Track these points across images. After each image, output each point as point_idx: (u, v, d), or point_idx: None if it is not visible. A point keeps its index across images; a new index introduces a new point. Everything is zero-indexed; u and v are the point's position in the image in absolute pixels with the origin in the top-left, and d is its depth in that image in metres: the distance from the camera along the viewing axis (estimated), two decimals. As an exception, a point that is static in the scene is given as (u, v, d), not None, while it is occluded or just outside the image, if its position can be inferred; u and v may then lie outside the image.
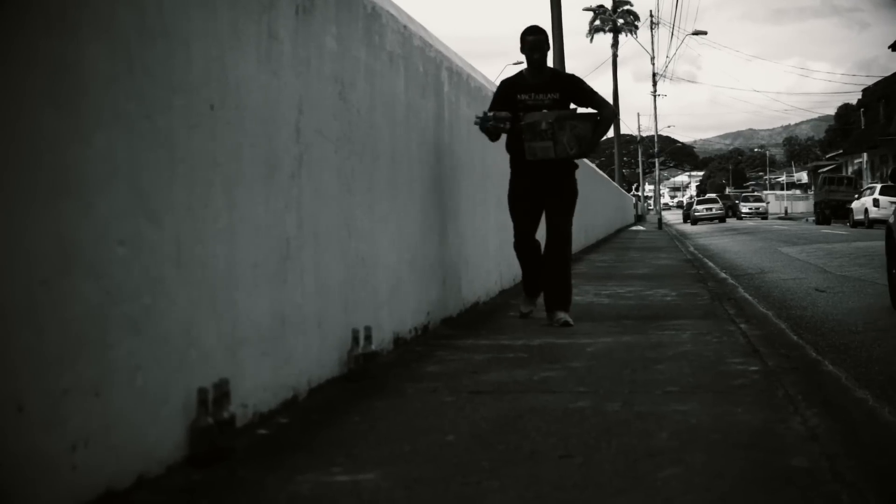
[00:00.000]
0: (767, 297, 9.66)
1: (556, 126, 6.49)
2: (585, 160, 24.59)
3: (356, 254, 4.78)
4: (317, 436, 3.46)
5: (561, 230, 6.74)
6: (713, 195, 70.37)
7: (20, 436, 2.28)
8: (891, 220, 8.65)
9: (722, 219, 54.63)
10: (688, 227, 47.60)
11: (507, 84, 6.95)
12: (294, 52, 4.00)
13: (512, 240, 7.01)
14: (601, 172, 32.76)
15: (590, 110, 6.81)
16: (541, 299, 7.00)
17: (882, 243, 8.70)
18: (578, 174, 7.14)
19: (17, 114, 2.31)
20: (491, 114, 6.62)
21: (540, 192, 6.82)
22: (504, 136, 6.90)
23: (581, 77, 7.13)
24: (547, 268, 6.77)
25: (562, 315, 6.56)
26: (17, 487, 2.28)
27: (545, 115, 6.53)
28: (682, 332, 6.16)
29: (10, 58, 2.29)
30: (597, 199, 25.75)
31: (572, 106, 6.85)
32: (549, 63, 7.01)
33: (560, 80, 6.99)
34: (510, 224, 6.99)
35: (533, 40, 6.75)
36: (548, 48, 6.85)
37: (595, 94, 6.84)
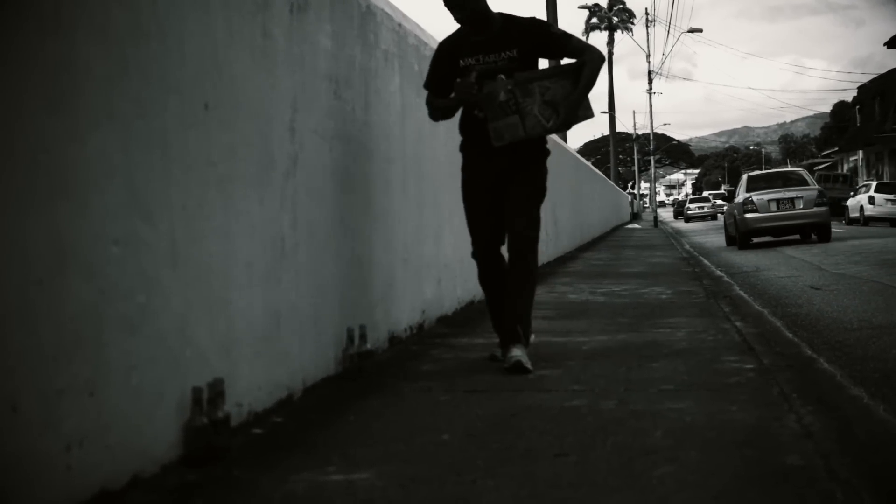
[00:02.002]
0: (763, 294, 9.67)
1: (519, 92, 4.76)
2: (580, 156, 24.60)
3: (351, 252, 4.78)
4: (312, 435, 3.46)
5: (524, 234, 4.90)
6: (706, 194, 70.92)
7: (15, 436, 2.28)
8: (732, 213, 21.24)
9: (714, 216, 55.24)
10: (682, 225, 47.90)
11: (444, 46, 5.02)
12: (288, 51, 4.00)
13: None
14: (597, 170, 32.80)
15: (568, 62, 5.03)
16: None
17: (878, 240, 12.26)
18: (568, 167, 5.84)
19: (13, 114, 2.31)
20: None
21: (501, 182, 4.96)
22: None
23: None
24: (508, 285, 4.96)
25: (516, 353, 4.70)
26: (12, 487, 2.28)
27: (502, 82, 4.76)
28: (678, 330, 6.16)
29: (5, 58, 2.29)
30: (592, 197, 25.79)
31: (545, 64, 5.33)
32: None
33: (516, 29, 4.87)
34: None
35: None
36: None
37: (570, 38, 4.96)
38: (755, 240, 20.80)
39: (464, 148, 5.07)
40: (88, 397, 2.55)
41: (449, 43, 4.99)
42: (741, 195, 20.91)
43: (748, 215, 19.89)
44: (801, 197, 20.04)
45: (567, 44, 4.92)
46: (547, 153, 5.13)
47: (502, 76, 4.77)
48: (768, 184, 21.23)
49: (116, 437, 2.66)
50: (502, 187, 4.95)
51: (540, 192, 5.02)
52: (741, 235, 20.28)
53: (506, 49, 4.81)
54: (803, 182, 21.43)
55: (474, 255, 5.09)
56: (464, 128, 5.05)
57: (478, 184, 4.98)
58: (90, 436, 2.54)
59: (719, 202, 57.40)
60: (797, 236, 21.01)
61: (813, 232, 20.64)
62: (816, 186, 21.48)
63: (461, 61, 4.87)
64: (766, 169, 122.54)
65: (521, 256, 4.87)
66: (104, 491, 2.59)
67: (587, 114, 4.96)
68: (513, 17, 4.93)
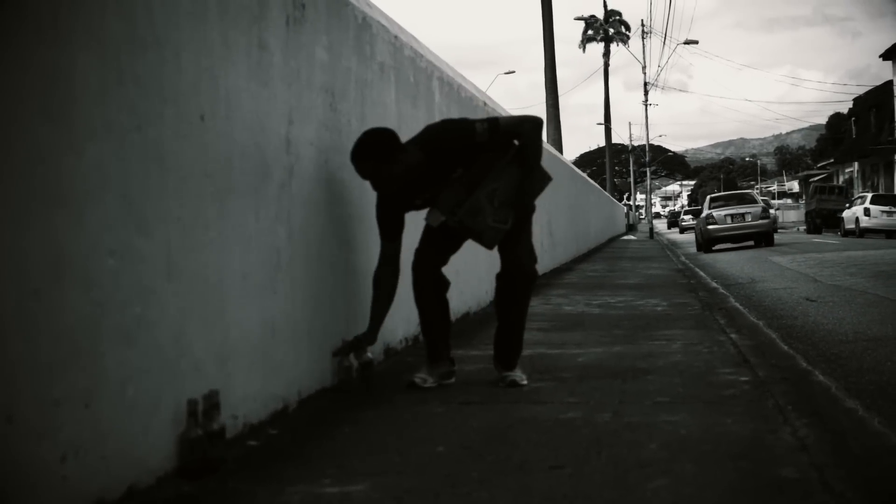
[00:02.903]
0: (758, 306, 9.67)
1: (468, 217, 4.52)
2: (575, 168, 24.64)
3: (347, 263, 4.79)
4: (307, 447, 3.46)
5: (524, 264, 4.73)
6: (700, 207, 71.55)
7: (11, 446, 2.28)
8: (699, 225, 27.69)
9: None
10: (677, 236, 47.99)
11: (386, 201, 4.67)
12: (284, 63, 4.01)
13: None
14: (592, 182, 32.83)
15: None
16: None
17: (874, 251, 12.86)
18: (564, 179, 5.13)
19: (9, 124, 2.32)
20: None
21: None
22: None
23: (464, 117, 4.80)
24: (502, 315, 4.84)
25: (509, 374, 4.71)
26: (8, 498, 2.28)
27: (442, 216, 4.60)
28: (673, 342, 6.17)
29: (1, 68, 2.30)
30: (588, 209, 25.80)
31: None
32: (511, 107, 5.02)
33: (443, 153, 4.52)
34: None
35: (362, 172, 4.48)
36: (385, 161, 4.39)
37: (497, 127, 4.50)
38: (718, 246, 26.72)
39: None
40: (84, 408, 2.55)
41: (389, 194, 4.62)
42: (705, 211, 27.54)
43: (709, 226, 26.36)
44: (750, 212, 26.39)
45: (498, 133, 4.48)
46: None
47: (441, 216, 4.59)
48: (725, 202, 27.83)
49: (112, 448, 2.66)
50: None
51: (529, 211, 4.79)
52: (705, 242, 26.44)
53: (448, 174, 4.56)
54: (753, 201, 28.25)
55: (415, 268, 4.77)
56: None
57: None
58: (86, 446, 2.54)
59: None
60: (752, 242, 26.76)
61: (760, 239, 26.58)
62: (762, 204, 28.01)
63: (412, 205, 4.71)
64: (761, 180, 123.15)
65: (521, 287, 4.77)
66: (100, 502, 2.59)
67: (543, 185, 4.80)
68: (430, 141, 4.55)
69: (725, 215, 26.39)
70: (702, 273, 15.01)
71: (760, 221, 26.38)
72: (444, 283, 4.85)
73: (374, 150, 4.40)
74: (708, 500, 2.71)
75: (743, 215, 26.34)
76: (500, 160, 4.56)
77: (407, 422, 3.88)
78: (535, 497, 2.78)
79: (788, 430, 3.52)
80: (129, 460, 2.76)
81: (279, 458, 3.30)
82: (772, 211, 39.58)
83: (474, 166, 4.54)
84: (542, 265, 13.70)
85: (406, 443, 3.50)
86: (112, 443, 2.66)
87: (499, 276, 4.80)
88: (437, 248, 4.79)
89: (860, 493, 2.76)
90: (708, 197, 29.74)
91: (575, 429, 3.64)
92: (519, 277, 4.74)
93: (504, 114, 9.38)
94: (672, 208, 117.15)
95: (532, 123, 4.62)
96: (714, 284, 12.34)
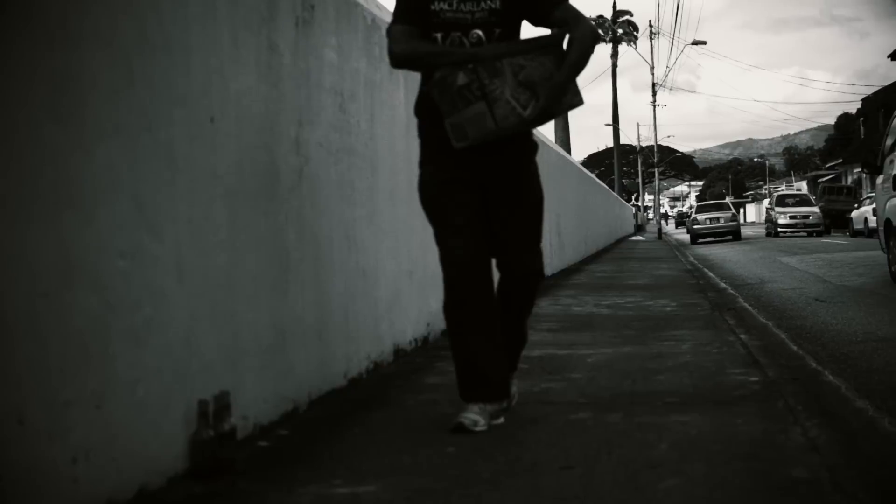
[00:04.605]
0: (767, 307, 9.65)
1: (485, 73, 3.56)
2: (584, 168, 24.52)
3: (356, 265, 4.79)
4: (317, 448, 3.46)
5: (528, 264, 3.82)
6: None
7: (22, 448, 2.29)
8: (688, 224, 41.52)
9: None
10: (685, 236, 47.96)
11: None
12: (294, 64, 4.01)
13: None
14: (601, 182, 32.84)
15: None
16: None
17: (882, 252, 12.53)
18: (573, 179, 4.58)
19: (19, 126, 2.32)
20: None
21: (479, 181, 3.75)
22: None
23: None
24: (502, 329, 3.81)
25: (474, 416, 3.65)
26: (19, 500, 2.28)
27: (460, 64, 3.58)
28: (683, 342, 6.16)
29: (11, 70, 2.30)
30: (597, 209, 25.78)
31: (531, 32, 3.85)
32: None
33: None
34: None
35: None
36: None
37: (563, 0, 3.72)
38: (704, 240, 35.10)
39: (425, 134, 3.85)
40: (95, 409, 2.55)
41: None
42: (692, 215, 38.72)
43: (694, 226, 36.57)
44: (723, 216, 36.08)
45: (557, 6, 3.68)
46: (536, 146, 3.93)
47: (465, 53, 3.62)
48: (707, 208, 38.25)
49: (123, 450, 2.66)
50: (482, 189, 3.75)
51: (540, 203, 3.89)
52: (692, 237, 36.34)
53: None
54: (728, 208, 38.40)
55: (447, 286, 3.75)
56: (422, 108, 3.81)
57: (448, 180, 3.73)
58: (96, 448, 2.54)
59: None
60: (730, 237, 35.16)
61: (730, 236, 35.36)
62: (732, 210, 38.08)
63: (432, 4, 3.65)
64: (769, 180, 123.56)
65: (527, 298, 3.91)
66: (111, 503, 2.59)
67: (575, 100, 3.75)
68: None
69: (705, 218, 36.13)
70: (710, 273, 14.98)
71: (731, 223, 35.85)
72: (493, 299, 3.82)
73: None
74: (719, 500, 2.70)
75: (718, 218, 35.85)
76: (532, 45, 3.70)
77: (417, 423, 3.87)
78: (546, 498, 2.78)
79: (799, 430, 3.51)
80: (139, 462, 2.76)
81: (290, 458, 3.30)
82: (813, 208, 41.32)
83: (510, 40, 3.71)
84: (551, 266, 13.71)
85: (416, 443, 3.50)
86: (122, 444, 2.67)
87: (500, 281, 3.88)
88: (466, 229, 3.73)
89: (872, 494, 2.76)
90: (695, 205, 41.47)
91: (585, 429, 3.64)
92: (523, 276, 3.85)
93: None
94: (680, 209, 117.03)
95: (592, 29, 3.73)
96: (723, 285, 12.32)
